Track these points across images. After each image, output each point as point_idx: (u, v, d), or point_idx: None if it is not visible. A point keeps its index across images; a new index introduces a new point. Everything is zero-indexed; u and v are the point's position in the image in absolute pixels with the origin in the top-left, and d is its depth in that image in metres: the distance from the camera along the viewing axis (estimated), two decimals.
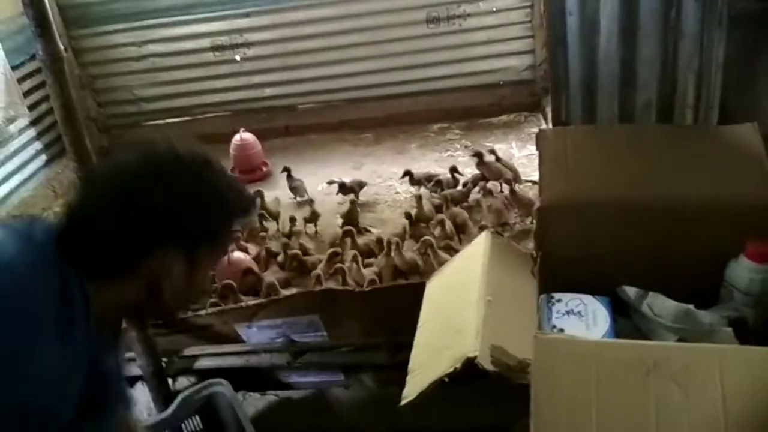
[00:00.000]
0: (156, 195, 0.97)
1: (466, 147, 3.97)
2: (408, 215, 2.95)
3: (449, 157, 3.88)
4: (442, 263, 2.32)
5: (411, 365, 1.37)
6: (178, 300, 1.06)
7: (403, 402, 1.28)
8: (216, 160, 1.08)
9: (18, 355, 0.86)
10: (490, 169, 3.22)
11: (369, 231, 3.11)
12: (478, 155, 3.24)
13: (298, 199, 3.49)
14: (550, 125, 1.86)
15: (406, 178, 3.40)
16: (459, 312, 1.36)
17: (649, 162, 1.48)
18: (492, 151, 3.34)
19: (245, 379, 2.07)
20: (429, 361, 1.33)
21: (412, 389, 1.28)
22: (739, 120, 1.48)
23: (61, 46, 1.67)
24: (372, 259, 2.73)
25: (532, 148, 3.58)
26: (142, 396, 2.06)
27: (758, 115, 1.50)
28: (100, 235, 0.96)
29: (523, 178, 3.40)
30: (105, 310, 0.97)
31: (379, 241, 2.74)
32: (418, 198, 3.04)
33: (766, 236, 1.36)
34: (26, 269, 0.92)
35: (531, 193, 3.17)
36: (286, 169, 3.57)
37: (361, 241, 2.87)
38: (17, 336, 0.87)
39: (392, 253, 2.59)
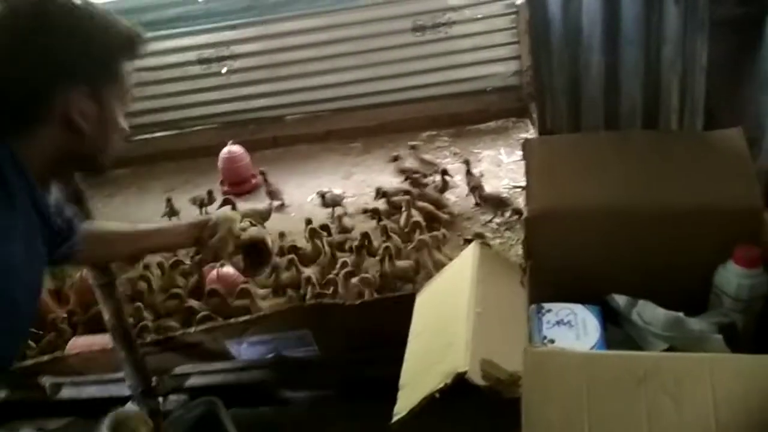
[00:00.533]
0: (38, 38, 1.03)
1: (455, 154, 3.97)
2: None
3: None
4: (438, 263, 2.32)
5: (402, 380, 1.36)
6: (98, 140, 1.12)
7: (395, 419, 1.27)
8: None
9: None
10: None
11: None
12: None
13: (275, 203, 3.49)
14: (536, 131, 1.85)
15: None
16: (449, 325, 1.35)
17: (636, 169, 1.48)
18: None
19: (237, 396, 2.05)
20: (419, 376, 1.31)
21: (402, 406, 1.27)
22: (724, 125, 1.48)
23: None
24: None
25: (520, 154, 3.58)
26: None
27: (743, 119, 1.50)
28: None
29: (512, 184, 3.41)
30: (38, 165, 1.07)
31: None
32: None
33: (753, 241, 1.36)
34: None
35: (520, 199, 3.17)
36: (262, 173, 3.64)
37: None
38: None
39: (386, 263, 2.56)
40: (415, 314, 1.51)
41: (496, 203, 3.11)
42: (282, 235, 2.95)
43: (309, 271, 2.58)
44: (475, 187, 3.19)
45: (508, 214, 3.06)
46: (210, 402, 1.85)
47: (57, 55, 1.04)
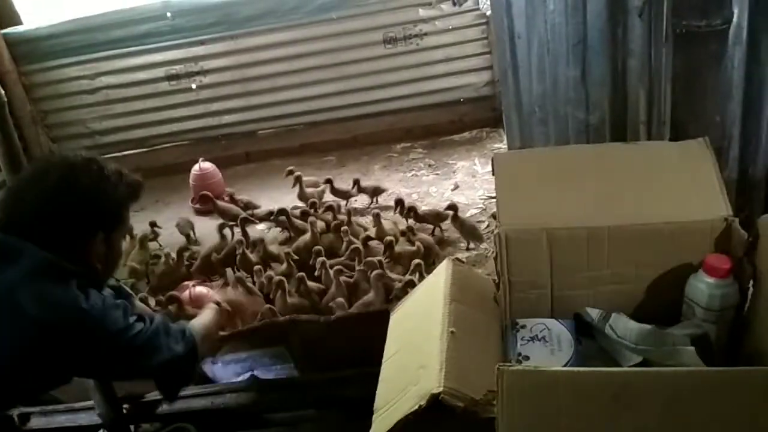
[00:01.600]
0: (77, 203, 1.43)
1: (429, 166, 3.97)
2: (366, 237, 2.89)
3: (413, 177, 3.88)
4: None
5: (377, 403, 1.34)
6: (105, 273, 1.53)
7: None
8: (99, 159, 1.51)
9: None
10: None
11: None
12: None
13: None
14: (507, 146, 1.85)
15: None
16: (423, 345, 1.33)
17: (606, 182, 1.48)
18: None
19: (212, 421, 2.01)
20: (394, 398, 1.29)
21: (379, 428, 1.24)
22: (690, 135, 1.49)
23: (1, 91, 1.62)
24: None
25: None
26: None
27: (709, 130, 1.52)
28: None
29: (487, 194, 3.41)
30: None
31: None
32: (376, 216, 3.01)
33: (723, 250, 1.37)
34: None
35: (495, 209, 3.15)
36: (230, 195, 3.65)
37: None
38: None
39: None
40: (390, 334, 1.49)
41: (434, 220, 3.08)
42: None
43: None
44: (410, 209, 3.09)
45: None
46: (183, 429, 1.82)
47: (92, 213, 1.45)
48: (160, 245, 3.38)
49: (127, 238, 3.16)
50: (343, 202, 3.47)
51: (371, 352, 1.57)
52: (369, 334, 1.69)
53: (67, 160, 1.47)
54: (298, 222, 3.15)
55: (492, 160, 1.54)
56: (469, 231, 2.93)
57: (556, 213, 1.45)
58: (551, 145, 1.66)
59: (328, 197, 3.51)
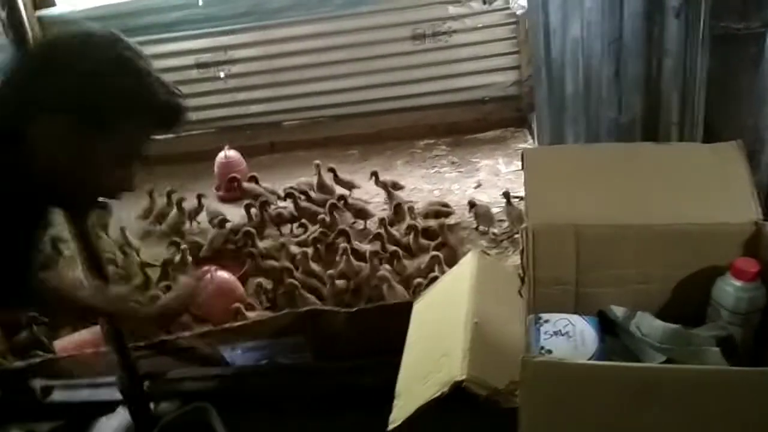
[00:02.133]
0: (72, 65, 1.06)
1: (452, 163, 3.97)
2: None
3: (436, 174, 3.88)
4: None
5: (398, 389, 1.36)
6: (78, 180, 1.11)
7: (390, 427, 1.26)
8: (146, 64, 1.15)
9: None
10: None
11: None
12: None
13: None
14: (536, 141, 1.85)
15: None
16: (446, 334, 1.35)
17: (636, 181, 1.48)
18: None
19: (230, 402, 2.03)
20: (416, 385, 1.31)
21: (399, 414, 1.26)
22: (723, 138, 1.48)
23: None
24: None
25: (518, 164, 3.58)
26: (123, 421, 2.01)
27: (742, 133, 1.50)
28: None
29: (511, 194, 3.41)
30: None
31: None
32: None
33: (752, 254, 1.36)
34: None
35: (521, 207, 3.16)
36: (253, 178, 3.70)
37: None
38: None
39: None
40: (412, 323, 1.50)
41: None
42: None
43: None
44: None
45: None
46: (202, 408, 1.84)
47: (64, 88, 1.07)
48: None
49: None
50: (346, 192, 3.50)
51: (390, 344, 1.59)
52: (388, 326, 1.71)
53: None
54: (304, 204, 3.26)
55: (522, 155, 1.54)
56: (484, 216, 2.99)
57: (584, 210, 1.44)
58: (581, 143, 1.66)
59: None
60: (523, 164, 1.53)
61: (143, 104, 1.11)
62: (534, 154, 1.55)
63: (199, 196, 3.50)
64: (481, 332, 1.29)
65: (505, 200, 3.07)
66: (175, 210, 3.38)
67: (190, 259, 2.90)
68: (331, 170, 3.58)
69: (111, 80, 1.07)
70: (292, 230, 3.30)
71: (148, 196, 3.56)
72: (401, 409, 1.26)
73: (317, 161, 3.60)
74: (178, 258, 2.87)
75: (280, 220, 3.30)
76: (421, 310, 1.55)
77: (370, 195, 3.59)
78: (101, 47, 1.09)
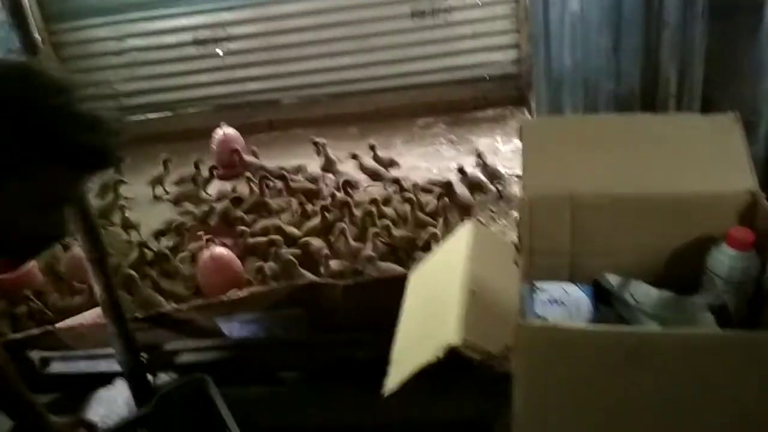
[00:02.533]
0: None
1: (451, 142, 3.97)
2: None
3: (435, 152, 3.88)
4: None
5: (393, 355, 1.37)
6: None
7: (386, 391, 1.27)
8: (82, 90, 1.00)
9: None
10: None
11: None
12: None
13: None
14: (535, 114, 1.85)
15: None
16: (441, 302, 1.35)
17: (633, 152, 1.48)
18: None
19: (228, 374, 2.05)
20: (411, 350, 1.32)
21: (394, 378, 1.27)
22: (721, 110, 1.48)
23: (38, 37, 1.64)
24: None
25: (517, 143, 3.57)
26: (121, 393, 2.03)
27: (739, 104, 1.50)
28: None
29: (509, 172, 3.41)
30: None
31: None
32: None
33: (747, 224, 1.36)
34: None
35: (516, 188, 3.17)
36: (253, 152, 3.76)
37: None
38: None
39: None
40: (408, 291, 1.51)
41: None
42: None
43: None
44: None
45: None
46: (200, 379, 1.85)
47: None
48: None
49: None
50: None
51: (387, 317, 1.60)
52: (386, 299, 1.71)
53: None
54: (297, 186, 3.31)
55: (520, 126, 1.54)
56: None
57: (580, 180, 1.45)
58: (580, 113, 1.66)
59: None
60: (520, 136, 1.54)
61: (57, 146, 0.96)
62: (531, 126, 1.55)
63: (212, 168, 3.58)
64: (477, 300, 1.30)
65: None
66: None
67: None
68: (372, 147, 3.58)
69: (15, 121, 0.93)
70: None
71: (162, 165, 3.64)
72: (396, 374, 1.27)
73: (319, 139, 3.61)
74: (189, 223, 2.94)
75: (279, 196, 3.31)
76: (416, 279, 1.55)
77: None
78: (6, 82, 0.96)
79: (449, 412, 1.81)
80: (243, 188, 3.41)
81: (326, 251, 2.68)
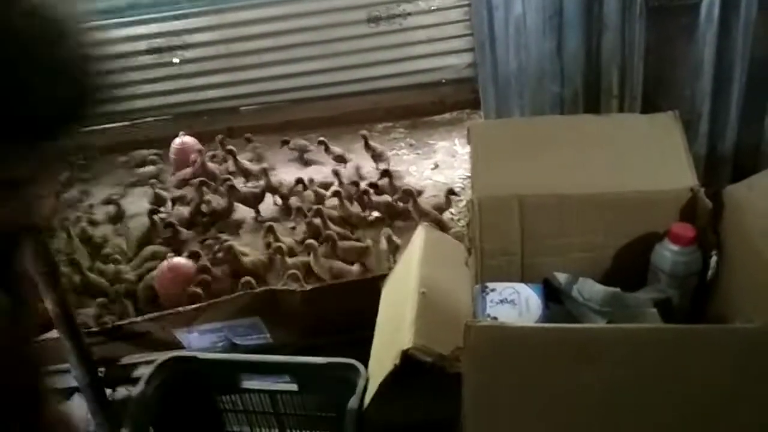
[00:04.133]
0: None
1: (410, 145, 3.99)
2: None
3: (394, 156, 3.89)
4: None
5: (369, 370, 1.38)
6: None
7: (365, 408, 1.29)
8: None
9: None
10: None
11: None
12: None
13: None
14: (483, 118, 1.88)
15: None
16: (399, 308, 1.37)
17: (577, 151, 1.52)
18: None
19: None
20: (380, 362, 1.33)
21: (368, 396, 1.29)
22: (661, 108, 1.53)
23: None
24: None
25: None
26: (79, 409, 1.99)
27: (679, 103, 1.55)
28: None
29: (466, 174, 3.44)
30: None
31: None
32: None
33: (689, 220, 1.41)
34: None
35: None
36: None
37: None
38: None
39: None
40: (381, 303, 1.52)
41: None
42: None
43: None
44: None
45: None
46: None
47: None
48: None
49: None
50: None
51: (349, 322, 1.60)
52: (346, 304, 1.72)
53: None
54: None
55: (468, 129, 1.56)
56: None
57: (528, 181, 1.48)
58: (526, 116, 1.69)
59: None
60: (469, 139, 1.56)
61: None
62: (479, 128, 1.58)
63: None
64: (429, 302, 1.31)
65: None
66: None
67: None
68: (321, 143, 3.64)
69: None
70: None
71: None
72: (370, 390, 1.29)
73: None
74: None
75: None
76: (386, 290, 1.56)
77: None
78: None
79: (420, 415, 1.82)
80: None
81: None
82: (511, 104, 1.69)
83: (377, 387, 1.27)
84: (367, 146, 3.57)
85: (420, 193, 3.14)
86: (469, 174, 3.25)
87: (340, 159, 3.62)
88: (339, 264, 2.52)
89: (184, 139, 3.84)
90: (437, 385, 1.49)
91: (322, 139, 3.65)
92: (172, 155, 3.83)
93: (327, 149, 3.59)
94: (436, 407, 1.81)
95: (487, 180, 1.49)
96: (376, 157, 3.59)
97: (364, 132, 3.64)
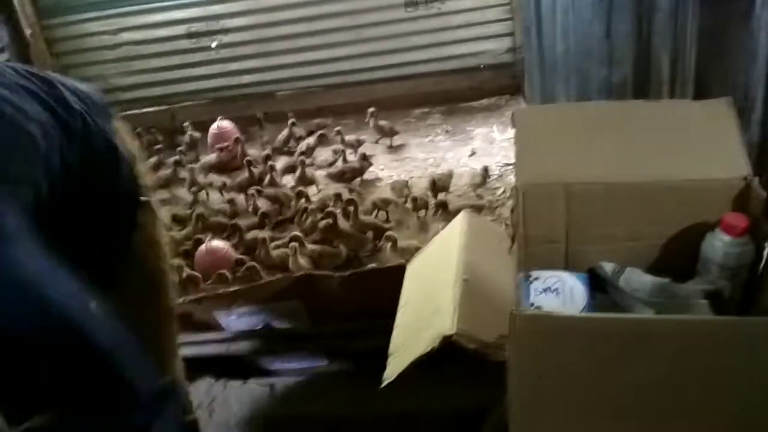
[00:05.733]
0: None
1: (447, 132, 3.96)
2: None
3: (430, 142, 3.87)
4: None
5: (391, 347, 1.37)
6: None
7: (384, 383, 1.27)
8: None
9: None
10: None
11: None
12: None
13: None
14: (528, 103, 1.85)
15: None
16: (437, 292, 1.36)
17: (627, 139, 1.47)
18: None
19: (227, 367, 2.06)
20: (408, 342, 1.32)
21: (392, 370, 1.28)
22: (714, 95, 1.48)
23: (27, 32, 1.63)
24: None
25: (513, 131, 3.58)
26: None
27: (732, 90, 1.50)
28: None
29: (504, 161, 3.40)
30: None
31: None
32: None
33: (741, 210, 1.36)
34: None
35: (511, 177, 3.17)
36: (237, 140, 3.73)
37: None
38: None
39: None
40: (406, 283, 1.51)
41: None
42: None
43: None
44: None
45: None
46: None
47: None
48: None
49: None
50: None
51: (385, 306, 1.60)
52: (383, 289, 1.72)
53: None
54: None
55: (512, 114, 1.53)
56: None
57: (574, 168, 1.44)
58: (573, 101, 1.66)
59: None
60: (513, 124, 1.53)
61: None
62: (524, 114, 1.55)
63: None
64: (471, 289, 1.30)
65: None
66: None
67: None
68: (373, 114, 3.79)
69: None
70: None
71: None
72: (394, 366, 1.28)
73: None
74: None
75: None
76: (413, 270, 1.56)
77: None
78: None
79: (447, 404, 1.82)
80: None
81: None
82: (556, 89, 1.66)
83: (405, 366, 1.26)
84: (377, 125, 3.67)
85: None
86: (508, 161, 3.28)
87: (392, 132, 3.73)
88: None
89: (221, 124, 3.87)
90: (467, 373, 1.49)
91: (373, 109, 3.79)
92: (209, 139, 3.87)
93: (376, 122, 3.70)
94: (463, 395, 1.82)
95: (531, 167, 1.46)
96: (388, 134, 3.68)
97: (372, 108, 3.73)
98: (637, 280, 1.35)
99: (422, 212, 2.96)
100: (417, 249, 1.88)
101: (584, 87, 1.65)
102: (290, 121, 3.93)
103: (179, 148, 3.85)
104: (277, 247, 2.69)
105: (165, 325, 1.30)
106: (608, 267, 1.40)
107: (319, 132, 3.85)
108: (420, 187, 3.18)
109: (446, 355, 1.25)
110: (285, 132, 3.92)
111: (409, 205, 3.01)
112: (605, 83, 1.64)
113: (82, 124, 1.07)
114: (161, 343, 1.28)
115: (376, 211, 3.00)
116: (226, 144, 3.74)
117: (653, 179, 1.40)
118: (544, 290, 1.38)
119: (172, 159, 3.71)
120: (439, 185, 3.02)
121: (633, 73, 1.61)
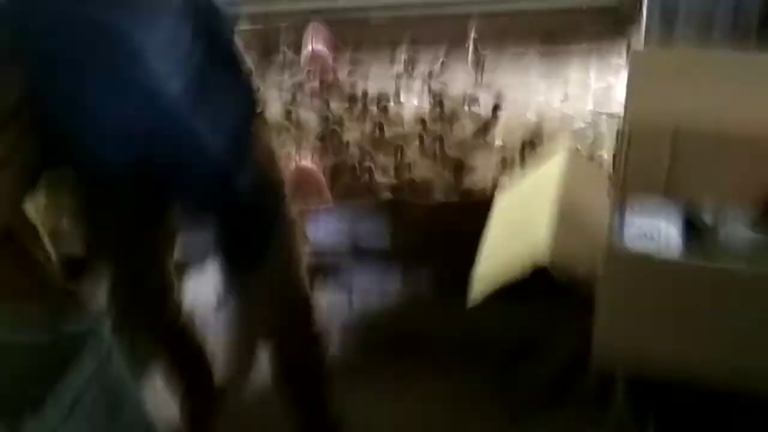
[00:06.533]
0: None
1: (540, 74, 3.85)
2: None
3: (522, 84, 3.79)
4: None
5: (478, 272, 1.42)
6: None
7: (470, 305, 1.33)
8: None
9: None
10: None
11: None
12: None
13: None
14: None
15: None
16: (530, 223, 1.38)
17: (746, 90, 1.43)
18: None
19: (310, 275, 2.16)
20: (496, 268, 1.36)
21: (479, 292, 1.32)
22: None
23: None
24: None
25: (610, 79, 3.45)
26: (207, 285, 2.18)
27: None
28: None
29: (597, 110, 3.30)
30: None
31: None
32: None
33: None
34: None
35: (603, 127, 3.08)
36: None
37: None
38: None
39: None
40: (496, 211, 1.54)
41: None
42: None
43: None
44: None
45: None
46: None
47: None
48: None
49: None
50: None
51: (466, 238, 1.64)
52: (467, 222, 1.75)
53: None
54: None
55: (629, 55, 1.51)
56: None
57: (684, 116, 1.41)
58: (689, 47, 1.60)
59: None
60: (628, 65, 1.50)
61: None
62: (642, 55, 1.51)
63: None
64: (566, 225, 1.32)
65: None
66: None
67: None
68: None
69: None
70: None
71: None
72: (481, 288, 1.32)
73: None
74: None
75: None
76: (504, 201, 1.58)
77: None
78: None
79: (522, 332, 1.86)
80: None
81: None
82: (675, 34, 1.60)
83: (492, 290, 1.30)
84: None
85: None
86: (601, 109, 3.18)
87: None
88: None
89: (315, 47, 3.89)
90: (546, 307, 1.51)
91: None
92: (302, 63, 3.90)
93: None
94: (532, 324, 1.85)
95: (641, 110, 1.44)
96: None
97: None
98: (736, 233, 1.34)
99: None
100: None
101: (705, 33, 1.59)
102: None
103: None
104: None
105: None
106: (707, 218, 1.39)
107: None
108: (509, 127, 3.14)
109: (533, 283, 1.28)
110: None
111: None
112: (728, 31, 1.57)
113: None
114: None
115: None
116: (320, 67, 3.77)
117: (765, 134, 1.36)
118: (640, 235, 1.38)
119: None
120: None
121: (759, 21, 1.53)
